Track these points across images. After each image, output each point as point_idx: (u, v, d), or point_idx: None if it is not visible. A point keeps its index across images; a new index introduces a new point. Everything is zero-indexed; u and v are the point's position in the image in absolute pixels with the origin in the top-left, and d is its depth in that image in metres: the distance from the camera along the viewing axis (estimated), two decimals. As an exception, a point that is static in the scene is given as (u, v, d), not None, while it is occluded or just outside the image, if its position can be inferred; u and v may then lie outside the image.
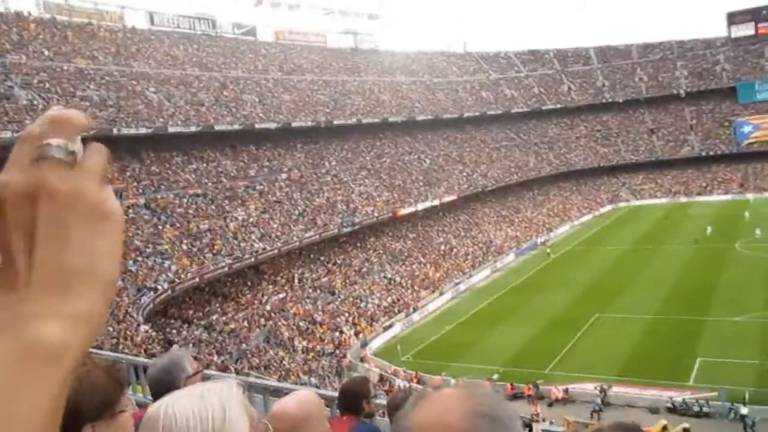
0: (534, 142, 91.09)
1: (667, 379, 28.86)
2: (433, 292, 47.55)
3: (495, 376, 30.41)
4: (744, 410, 24.33)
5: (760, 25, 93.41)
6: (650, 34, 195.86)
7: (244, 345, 34.30)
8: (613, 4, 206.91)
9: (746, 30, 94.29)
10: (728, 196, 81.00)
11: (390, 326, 40.91)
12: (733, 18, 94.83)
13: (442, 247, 57.55)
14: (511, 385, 29.48)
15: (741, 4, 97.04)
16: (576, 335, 35.23)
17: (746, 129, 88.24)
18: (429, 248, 56.77)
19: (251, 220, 45.23)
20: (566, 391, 28.81)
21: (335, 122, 64.95)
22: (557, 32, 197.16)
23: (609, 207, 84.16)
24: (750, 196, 79.27)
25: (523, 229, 68.37)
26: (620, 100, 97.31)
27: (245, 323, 36.89)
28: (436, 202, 63.03)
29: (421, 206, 60.51)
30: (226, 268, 38.85)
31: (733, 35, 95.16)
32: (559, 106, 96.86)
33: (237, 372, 27.96)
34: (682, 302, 38.85)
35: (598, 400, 27.43)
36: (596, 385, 28.42)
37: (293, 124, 59.78)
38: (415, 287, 47.77)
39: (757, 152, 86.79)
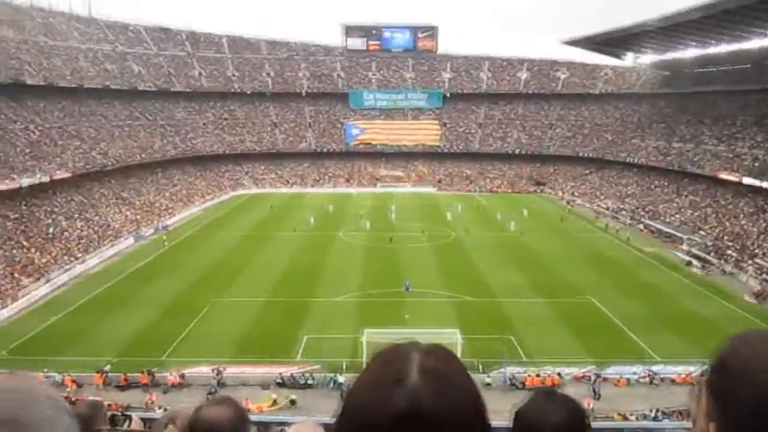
0: (160, 124, 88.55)
1: (277, 356, 31.30)
2: (38, 279, 42.77)
3: (107, 367, 28.93)
4: (341, 379, 27.81)
5: (369, 42, 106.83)
6: (276, 31, 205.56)
7: None
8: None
9: (359, 44, 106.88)
10: (336, 189, 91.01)
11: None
12: (349, 32, 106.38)
13: (51, 230, 52.02)
14: (125, 375, 28.46)
15: (355, 18, 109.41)
16: (193, 320, 35.62)
17: (354, 131, 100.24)
18: (34, 230, 50.75)
19: None
20: (182, 376, 28.96)
21: None
22: (189, 12, 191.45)
23: (231, 194, 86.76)
24: (353, 190, 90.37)
25: (143, 212, 65.98)
26: (248, 92, 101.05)
27: None
28: (46, 179, 56.64)
29: (26, 182, 53.73)
30: None
31: (348, 47, 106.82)
32: (188, 89, 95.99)
33: None
34: (291, 285, 42.56)
35: (214, 382, 28.31)
36: (212, 368, 29.25)
37: None
38: (15, 274, 42.27)
39: (361, 152, 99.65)
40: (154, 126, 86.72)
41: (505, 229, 62.30)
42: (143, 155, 76.75)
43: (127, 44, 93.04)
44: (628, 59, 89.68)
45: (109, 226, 58.36)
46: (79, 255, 49.42)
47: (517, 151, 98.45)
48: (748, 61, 68.50)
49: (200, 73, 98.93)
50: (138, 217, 63.84)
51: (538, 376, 28.53)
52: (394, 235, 57.88)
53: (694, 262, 49.52)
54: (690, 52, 74.40)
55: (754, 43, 62.15)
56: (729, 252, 50.21)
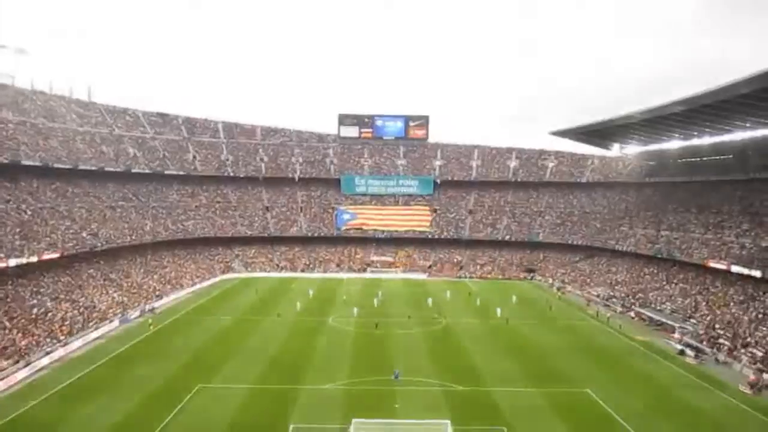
0: (152, 206, 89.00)
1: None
2: (18, 362, 41.62)
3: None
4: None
5: (362, 130, 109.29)
6: (272, 118, 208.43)
7: None
8: (240, 80, 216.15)
9: (353, 132, 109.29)
10: (327, 274, 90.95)
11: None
12: (343, 120, 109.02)
13: (35, 311, 51.13)
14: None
15: (350, 108, 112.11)
16: (177, 407, 34.46)
17: (345, 217, 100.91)
18: (18, 311, 49.86)
19: None
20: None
21: None
22: (187, 98, 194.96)
23: (220, 277, 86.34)
24: (344, 275, 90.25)
25: (131, 294, 65.19)
26: (241, 176, 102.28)
27: None
28: (34, 259, 56.23)
29: (13, 262, 53.25)
30: None
31: (341, 134, 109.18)
32: (182, 172, 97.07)
33: None
34: (279, 372, 41.58)
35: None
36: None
37: None
38: (-5, 356, 41.13)
39: (352, 238, 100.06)
40: (146, 208, 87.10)
41: (492, 316, 61.86)
42: (134, 237, 76.61)
43: (125, 128, 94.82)
44: (615, 149, 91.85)
45: (95, 308, 57.47)
46: (62, 337, 48.38)
47: (507, 238, 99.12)
48: (730, 152, 70.31)
49: (194, 157, 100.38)
50: (125, 299, 63.02)
51: (531, 469, 27.53)
52: (381, 321, 57.47)
53: (687, 351, 48.98)
54: (674, 144, 76.32)
55: (736, 136, 63.92)
56: (721, 341, 49.78)
